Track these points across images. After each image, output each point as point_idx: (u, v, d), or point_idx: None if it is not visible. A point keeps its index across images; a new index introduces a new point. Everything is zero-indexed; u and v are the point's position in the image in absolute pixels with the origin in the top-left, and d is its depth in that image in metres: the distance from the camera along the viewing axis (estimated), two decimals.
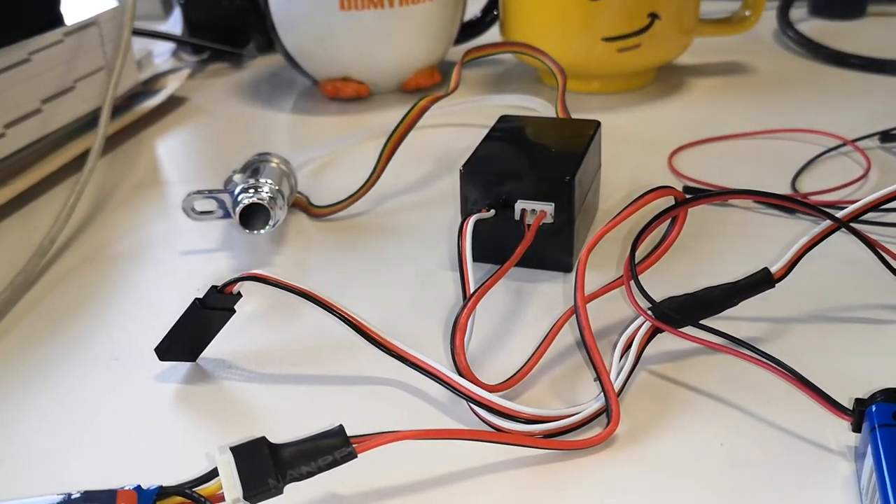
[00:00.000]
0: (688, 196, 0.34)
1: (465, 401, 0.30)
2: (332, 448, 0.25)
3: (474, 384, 0.29)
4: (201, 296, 0.32)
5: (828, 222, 0.32)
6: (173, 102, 0.61)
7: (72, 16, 0.51)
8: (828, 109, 0.55)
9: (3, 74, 0.46)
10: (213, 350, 0.34)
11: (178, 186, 0.50)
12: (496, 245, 0.37)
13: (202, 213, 0.42)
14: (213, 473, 0.24)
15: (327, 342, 0.34)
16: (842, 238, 0.34)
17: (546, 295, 0.37)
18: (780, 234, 0.40)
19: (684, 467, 0.27)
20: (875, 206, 0.33)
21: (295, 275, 0.39)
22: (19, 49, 0.47)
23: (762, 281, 0.32)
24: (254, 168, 0.42)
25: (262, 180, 0.40)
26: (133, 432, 0.30)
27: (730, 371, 0.31)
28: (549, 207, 0.37)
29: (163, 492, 0.24)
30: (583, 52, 0.56)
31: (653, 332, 0.32)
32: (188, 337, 0.33)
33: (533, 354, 0.32)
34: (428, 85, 0.61)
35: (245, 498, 0.24)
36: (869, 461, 0.25)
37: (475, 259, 0.35)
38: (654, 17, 0.55)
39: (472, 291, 0.33)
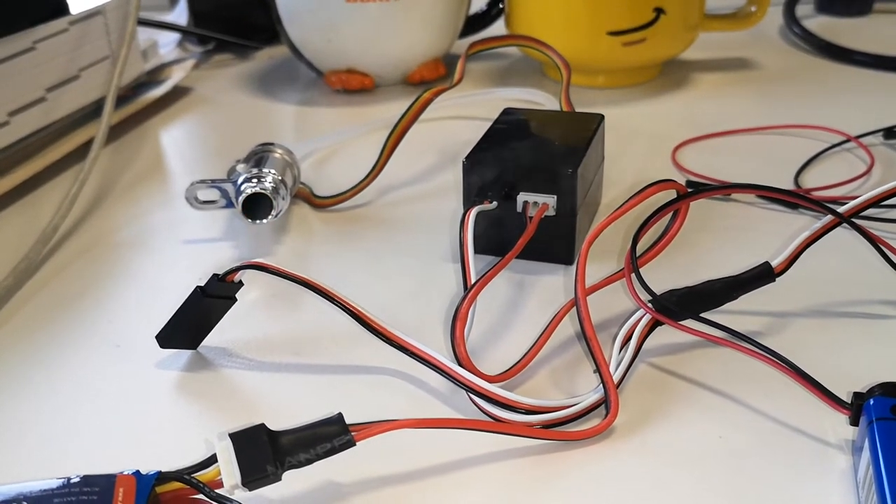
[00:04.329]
0: (689, 190, 0.34)
1: (464, 391, 0.30)
2: (330, 436, 0.25)
3: (474, 374, 0.30)
4: (203, 284, 0.32)
5: (829, 217, 0.32)
6: (178, 93, 0.62)
7: (77, 5, 0.51)
8: (832, 106, 0.54)
9: (8, 63, 0.46)
10: (213, 338, 0.34)
11: (181, 176, 0.50)
12: (498, 237, 0.38)
13: (205, 202, 0.42)
14: (212, 459, 0.25)
15: (328, 331, 0.35)
16: (843, 233, 0.34)
17: (547, 287, 0.37)
18: (781, 229, 0.40)
19: (682, 459, 0.27)
20: (876, 202, 0.33)
21: (297, 264, 0.39)
22: (24, 37, 0.47)
23: (763, 275, 0.33)
24: (257, 158, 0.42)
25: (265, 170, 0.40)
26: (133, 418, 0.31)
27: (729, 364, 0.31)
28: (551, 200, 0.37)
29: (162, 477, 0.24)
30: (588, 45, 0.56)
31: (653, 325, 0.32)
32: (189, 325, 0.33)
33: (533, 345, 0.32)
34: (432, 77, 0.61)
35: (243, 484, 0.24)
36: (866, 454, 0.25)
37: (477, 251, 0.35)
38: (659, 11, 0.55)
39: (473, 282, 0.33)
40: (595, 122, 0.41)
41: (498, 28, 0.65)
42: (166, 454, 0.29)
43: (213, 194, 0.42)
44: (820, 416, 0.29)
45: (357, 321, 0.31)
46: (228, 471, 0.24)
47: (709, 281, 0.33)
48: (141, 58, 0.58)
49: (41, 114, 0.49)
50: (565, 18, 0.56)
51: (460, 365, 0.30)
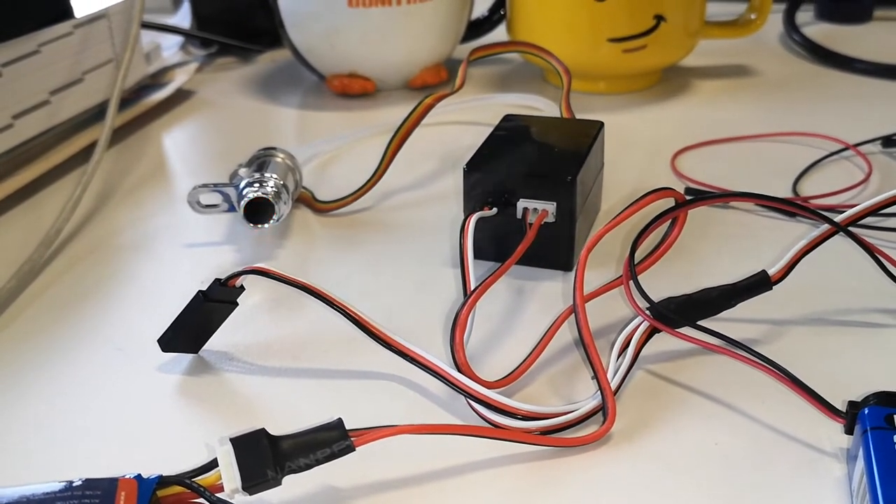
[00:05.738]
0: (688, 198, 0.34)
1: (463, 397, 0.30)
2: (330, 441, 0.25)
3: (473, 380, 0.30)
4: (205, 288, 0.33)
5: (826, 226, 0.33)
6: (181, 96, 0.62)
7: (81, 8, 0.52)
8: (831, 113, 0.55)
9: (13, 66, 0.46)
10: (215, 342, 0.34)
11: (183, 179, 0.50)
12: (498, 243, 0.38)
13: (207, 206, 0.42)
14: (213, 464, 0.25)
15: (328, 336, 0.35)
16: (840, 242, 0.34)
17: (546, 293, 0.37)
18: (779, 237, 0.40)
19: (679, 466, 0.28)
20: (873, 211, 0.33)
21: (298, 269, 0.39)
22: (29, 41, 0.48)
23: (760, 283, 0.33)
24: (259, 162, 0.42)
25: (267, 175, 0.41)
26: (135, 422, 0.31)
27: (726, 372, 0.31)
28: (550, 207, 0.37)
29: (163, 481, 0.24)
30: (588, 52, 0.56)
31: (650, 332, 0.32)
32: (191, 329, 0.33)
33: (531, 352, 0.32)
34: (434, 82, 0.61)
35: (243, 488, 0.24)
36: (860, 463, 0.25)
37: (476, 257, 0.35)
38: (659, 18, 0.55)
39: (472, 288, 0.34)
40: (595, 129, 0.42)
41: (499, 34, 0.65)
42: (168, 458, 0.29)
43: (215, 198, 0.42)
44: (815, 424, 0.29)
45: (357, 326, 0.31)
46: (229, 475, 0.24)
47: (706, 289, 0.33)
48: (144, 61, 0.59)
49: (45, 117, 0.49)
50: (566, 25, 0.56)
51: (459, 371, 0.30)
